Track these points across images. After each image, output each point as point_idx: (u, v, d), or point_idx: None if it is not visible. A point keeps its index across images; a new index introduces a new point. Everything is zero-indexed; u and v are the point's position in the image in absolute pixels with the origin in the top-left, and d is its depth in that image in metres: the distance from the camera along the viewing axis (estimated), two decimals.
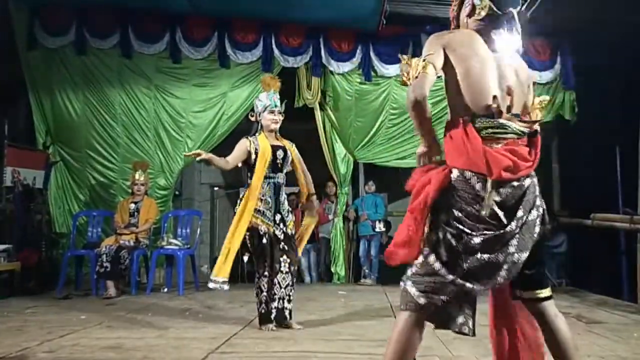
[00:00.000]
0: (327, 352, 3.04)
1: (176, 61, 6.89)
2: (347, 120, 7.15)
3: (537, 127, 2.00)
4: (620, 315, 4.39)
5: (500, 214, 1.87)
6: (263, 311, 3.70)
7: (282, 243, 3.78)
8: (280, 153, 3.90)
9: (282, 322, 3.72)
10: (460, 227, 1.87)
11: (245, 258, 8.84)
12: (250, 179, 3.80)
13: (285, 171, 3.95)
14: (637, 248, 5.44)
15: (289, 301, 3.75)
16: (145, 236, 6.10)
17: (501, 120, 1.91)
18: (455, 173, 1.92)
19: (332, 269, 7.24)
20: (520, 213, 1.88)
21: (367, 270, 7.16)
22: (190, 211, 7.25)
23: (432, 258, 1.89)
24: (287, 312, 3.74)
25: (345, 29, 6.86)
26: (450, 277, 1.86)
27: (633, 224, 5.46)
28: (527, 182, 1.92)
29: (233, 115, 6.95)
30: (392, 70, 7.00)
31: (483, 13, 2.04)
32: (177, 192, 7.28)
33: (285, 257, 3.75)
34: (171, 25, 6.82)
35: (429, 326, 1.95)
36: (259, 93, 6.79)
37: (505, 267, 1.87)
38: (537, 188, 1.97)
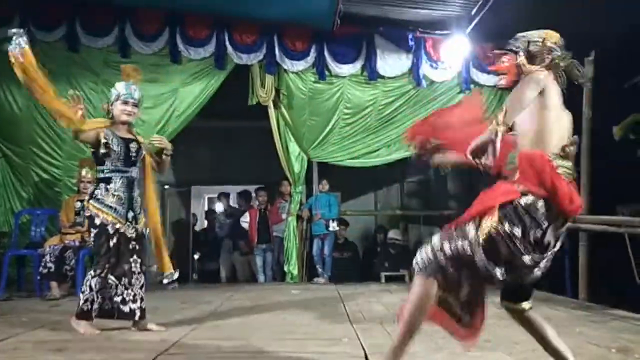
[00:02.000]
0: (280, 351, 3.02)
1: (125, 56, 6.68)
2: (301, 119, 7.15)
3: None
4: (563, 312, 4.56)
5: (552, 242, 2.10)
6: (85, 308, 3.49)
7: (133, 242, 3.59)
8: (134, 146, 3.66)
9: (141, 322, 3.61)
10: (513, 244, 2.02)
11: (196, 256, 8.74)
12: (107, 172, 3.57)
13: (138, 165, 3.73)
14: (579, 246, 5.67)
15: (142, 300, 3.62)
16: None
17: (570, 163, 2.15)
18: (529, 198, 2.05)
19: (286, 268, 7.23)
20: (558, 243, 2.14)
21: (320, 269, 7.18)
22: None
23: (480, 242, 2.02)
24: (143, 312, 3.62)
25: (300, 28, 6.85)
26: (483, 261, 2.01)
27: (575, 222, 5.69)
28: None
29: (184, 112, 6.83)
30: (346, 69, 7.05)
31: (563, 64, 2.28)
32: None
33: (135, 257, 3.59)
34: (121, 19, 6.63)
35: None
36: (210, 89, 6.81)
37: (525, 278, 2.14)
38: None
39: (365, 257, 8.29)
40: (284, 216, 7.40)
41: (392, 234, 7.97)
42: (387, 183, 8.95)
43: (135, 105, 3.71)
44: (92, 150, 3.65)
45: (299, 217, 7.35)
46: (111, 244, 3.50)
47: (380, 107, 7.28)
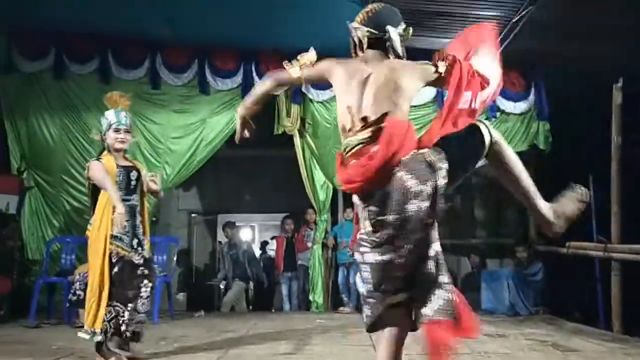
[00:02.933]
0: None
1: (156, 87, 6.87)
2: (326, 147, 7.19)
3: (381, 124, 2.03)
4: (596, 344, 4.42)
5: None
6: (100, 339, 3.53)
7: (141, 267, 3.63)
8: (134, 174, 3.73)
9: (131, 345, 3.63)
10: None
11: (222, 285, 8.69)
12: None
13: (138, 192, 3.77)
14: (612, 276, 5.53)
15: (141, 323, 3.65)
16: None
17: (352, 138, 2.08)
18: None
19: (311, 297, 7.19)
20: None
21: (345, 298, 7.12)
22: (166, 238, 7.17)
23: None
24: (137, 335, 3.65)
25: (325, 57, 6.92)
26: None
27: (607, 252, 5.56)
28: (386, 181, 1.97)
29: (212, 142, 6.94)
30: None
31: (365, 40, 2.29)
32: (154, 218, 7.20)
33: (146, 281, 3.63)
34: (151, 52, 6.82)
35: None
36: (232, 119, 6.91)
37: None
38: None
39: None
40: (309, 244, 7.40)
41: None
42: None
43: (127, 131, 3.76)
44: (92, 182, 3.68)
45: (324, 245, 7.34)
46: (113, 272, 3.54)
47: None
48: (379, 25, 2.26)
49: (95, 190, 3.70)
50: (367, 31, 2.27)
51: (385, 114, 2.03)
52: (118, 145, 3.72)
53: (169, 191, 7.41)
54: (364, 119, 2.05)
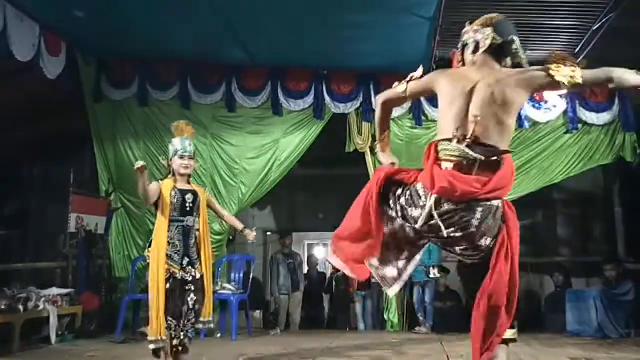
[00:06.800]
0: None
1: (231, 110, 7.14)
2: (398, 164, 7.13)
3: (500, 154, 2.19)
4: None
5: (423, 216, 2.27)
6: (154, 347, 3.70)
7: (190, 284, 3.80)
8: (189, 197, 3.89)
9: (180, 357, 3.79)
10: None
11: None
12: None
13: (195, 215, 3.92)
14: None
15: (189, 339, 3.83)
16: None
17: (454, 145, 2.20)
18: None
19: (386, 316, 7.09)
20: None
21: (421, 318, 6.97)
22: (243, 256, 7.33)
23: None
24: (185, 348, 3.82)
25: (395, 75, 6.90)
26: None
27: None
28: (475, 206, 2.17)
29: (285, 161, 7.07)
30: None
31: (488, 42, 2.31)
32: (231, 237, 7.40)
33: (192, 295, 3.79)
34: (227, 76, 7.08)
35: None
36: (309, 139, 7.02)
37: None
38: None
39: (469, 306, 7.92)
40: None
41: None
42: None
43: (191, 158, 4.00)
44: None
45: None
46: (166, 288, 3.70)
47: None
48: (504, 33, 2.32)
49: (155, 208, 3.93)
50: (493, 35, 2.31)
51: (506, 151, 2.20)
52: (183, 171, 3.96)
53: (244, 210, 7.59)
54: (473, 134, 2.16)
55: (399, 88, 2.55)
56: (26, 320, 5.18)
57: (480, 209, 2.16)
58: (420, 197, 2.27)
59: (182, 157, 3.95)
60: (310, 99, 7.05)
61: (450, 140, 2.21)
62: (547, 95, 6.78)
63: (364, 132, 7.07)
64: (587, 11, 5.32)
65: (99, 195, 7.14)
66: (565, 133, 6.94)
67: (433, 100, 6.94)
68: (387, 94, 2.62)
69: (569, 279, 7.28)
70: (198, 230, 3.93)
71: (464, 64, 2.45)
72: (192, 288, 3.81)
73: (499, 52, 2.32)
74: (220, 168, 7.11)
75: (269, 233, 9.37)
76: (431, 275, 7.01)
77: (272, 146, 7.13)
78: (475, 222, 2.16)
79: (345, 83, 7.06)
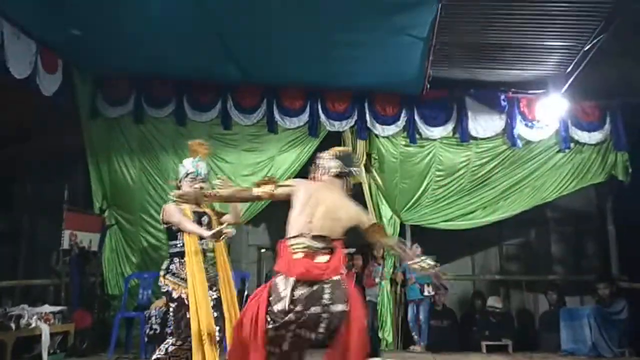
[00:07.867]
0: None
1: (227, 127, 7.16)
2: (392, 182, 7.17)
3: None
4: None
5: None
6: None
7: (211, 309, 3.60)
8: (205, 219, 3.79)
9: None
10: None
11: None
12: (181, 246, 3.68)
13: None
14: None
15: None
16: None
17: (300, 239, 2.77)
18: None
19: (380, 335, 7.05)
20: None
21: (416, 336, 6.94)
22: (237, 273, 7.28)
23: None
24: None
25: (390, 94, 7.00)
26: None
27: None
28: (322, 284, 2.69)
29: (280, 179, 7.05)
30: (436, 132, 7.06)
31: (335, 171, 3.03)
32: None
33: (219, 322, 3.63)
34: (223, 94, 7.12)
35: None
36: (304, 156, 7.05)
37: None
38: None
39: (464, 324, 7.91)
40: (377, 280, 7.30)
41: (491, 301, 7.40)
42: (484, 246, 8.59)
43: (203, 180, 3.84)
44: (165, 226, 3.79)
45: (392, 281, 7.23)
46: (188, 315, 3.54)
47: (474, 169, 7.15)
48: (347, 165, 3.06)
49: (170, 234, 3.80)
50: (339, 166, 3.03)
51: (339, 240, 2.83)
52: None
53: (238, 227, 7.57)
54: (319, 235, 2.76)
55: (256, 190, 3.14)
56: (18, 338, 5.13)
57: (328, 285, 2.68)
58: (279, 290, 2.67)
59: (193, 180, 3.82)
60: (305, 117, 7.10)
61: (297, 236, 2.77)
62: (539, 114, 6.87)
63: (358, 149, 7.10)
64: (578, 32, 5.41)
65: (93, 212, 7.11)
66: (558, 152, 7.02)
67: (428, 118, 7.05)
68: (244, 194, 3.34)
69: (562, 297, 7.29)
70: (212, 251, 3.82)
71: (315, 179, 3.06)
72: (214, 314, 3.63)
73: (341, 176, 3.03)
74: (216, 185, 7.09)
75: (263, 250, 9.34)
76: (425, 293, 7.01)
77: (268, 163, 7.16)
78: (327, 296, 2.66)
79: (340, 101, 7.12)
